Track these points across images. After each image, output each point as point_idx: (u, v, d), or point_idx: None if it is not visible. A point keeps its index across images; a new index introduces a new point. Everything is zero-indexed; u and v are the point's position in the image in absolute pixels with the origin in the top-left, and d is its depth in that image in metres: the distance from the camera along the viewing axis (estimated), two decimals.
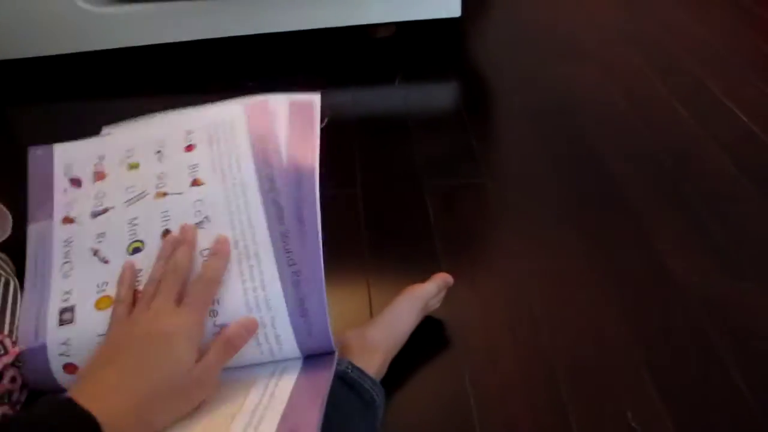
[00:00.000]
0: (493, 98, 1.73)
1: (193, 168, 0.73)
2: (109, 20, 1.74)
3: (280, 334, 0.64)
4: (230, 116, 0.76)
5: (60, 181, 0.75)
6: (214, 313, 0.63)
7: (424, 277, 1.09)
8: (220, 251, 0.63)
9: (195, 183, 0.72)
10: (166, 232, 0.68)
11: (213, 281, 0.61)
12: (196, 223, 0.68)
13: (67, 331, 0.64)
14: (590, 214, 1.31)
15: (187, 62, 1.84)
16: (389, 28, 1.86)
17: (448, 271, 1.10)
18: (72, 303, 0.66)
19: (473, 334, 1.08)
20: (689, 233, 1.25)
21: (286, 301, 0.63)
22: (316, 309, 0.63)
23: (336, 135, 1.54)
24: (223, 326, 0.62)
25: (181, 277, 0.61)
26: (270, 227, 0.67)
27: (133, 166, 0.76)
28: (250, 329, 0.61)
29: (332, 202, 1.34)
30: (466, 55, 1.89)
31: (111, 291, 0.65)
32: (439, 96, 1.74)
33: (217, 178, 0.71)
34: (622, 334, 1.07)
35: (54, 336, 0.64)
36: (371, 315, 1.10)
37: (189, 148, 0.75)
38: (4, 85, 1.81)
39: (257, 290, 0.64)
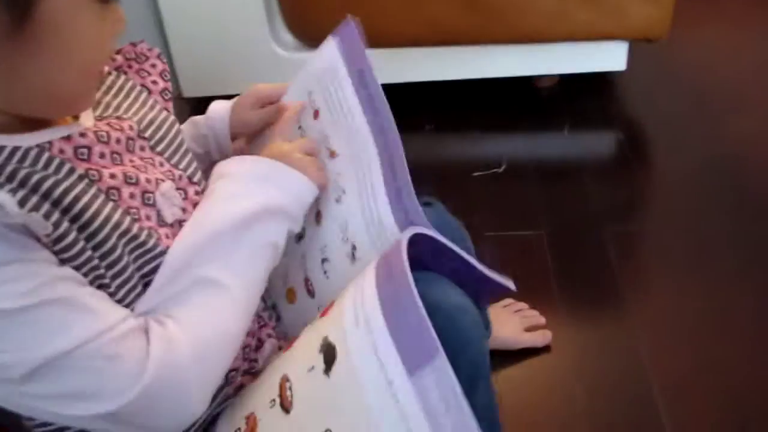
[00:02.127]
0: (657, 149, 1.79)
1: (326, 139, 0.81)
2: (300, 64, 1.90)
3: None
4: (329, 54, 0.82)
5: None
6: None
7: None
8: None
9: (331, 155, 0.81)
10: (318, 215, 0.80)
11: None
12: (336, 199, 0.78)
13: None
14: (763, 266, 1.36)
15: None
16: (553, 78, 1.96)
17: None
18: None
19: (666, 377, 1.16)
20: None
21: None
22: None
23: (515, 180, 1.65)
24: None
25: None
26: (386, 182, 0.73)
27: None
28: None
29: (521, 243, 1.45)
30: (626, 104, 1.96)
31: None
32: (605, 144, 1.83)
33: (343, 141, 0.79)
34: None
35: None
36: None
37: (315, 114, 0.83)
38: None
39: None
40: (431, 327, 0.53)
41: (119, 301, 0.64)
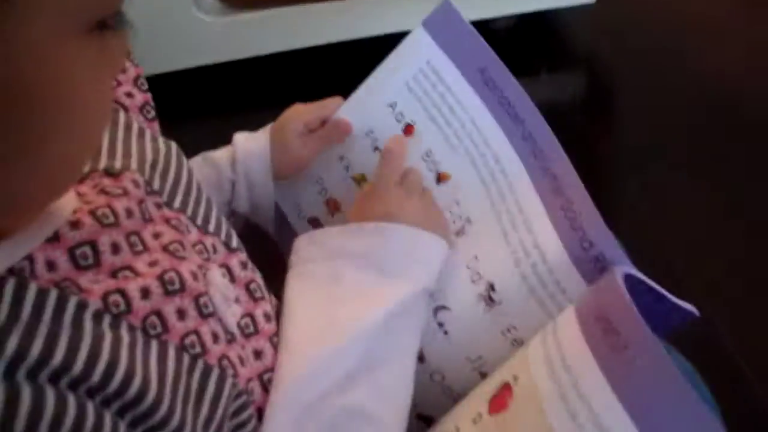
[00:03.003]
0: (632, 85, 1.67)
1: (429, 159, 0.63)
2: (228, 30, 1.64)
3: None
4: (420, 51, 0.64)
5: None
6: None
7: None
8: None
9: (441, 178, 0.63)
10: None
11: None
12: (456, 232, 0.60)
13: None
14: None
15: (301, 71, 1.73)
16: (510, 19, 1.77)
17: None
18: None
19: None
20: None
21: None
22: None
23: None
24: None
25: None
26: (531, 177, 0.58)
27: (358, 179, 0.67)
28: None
29: None
30: (592, 42, 1.82)
31: None
32: (581, 84, 1.68)
33: (459, 159, 0.61)
34: None
35: None
36: None
37: (408, 130, 0.65)
38: None
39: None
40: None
41: None
